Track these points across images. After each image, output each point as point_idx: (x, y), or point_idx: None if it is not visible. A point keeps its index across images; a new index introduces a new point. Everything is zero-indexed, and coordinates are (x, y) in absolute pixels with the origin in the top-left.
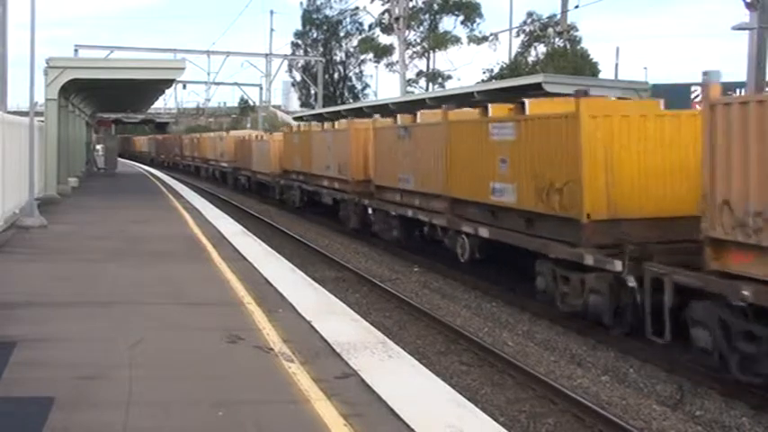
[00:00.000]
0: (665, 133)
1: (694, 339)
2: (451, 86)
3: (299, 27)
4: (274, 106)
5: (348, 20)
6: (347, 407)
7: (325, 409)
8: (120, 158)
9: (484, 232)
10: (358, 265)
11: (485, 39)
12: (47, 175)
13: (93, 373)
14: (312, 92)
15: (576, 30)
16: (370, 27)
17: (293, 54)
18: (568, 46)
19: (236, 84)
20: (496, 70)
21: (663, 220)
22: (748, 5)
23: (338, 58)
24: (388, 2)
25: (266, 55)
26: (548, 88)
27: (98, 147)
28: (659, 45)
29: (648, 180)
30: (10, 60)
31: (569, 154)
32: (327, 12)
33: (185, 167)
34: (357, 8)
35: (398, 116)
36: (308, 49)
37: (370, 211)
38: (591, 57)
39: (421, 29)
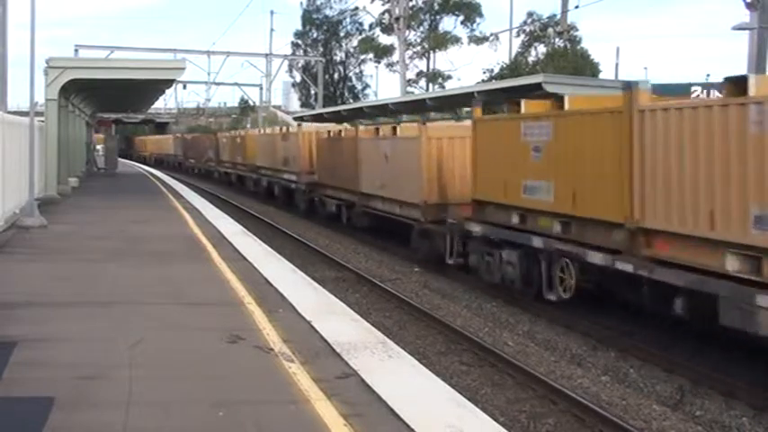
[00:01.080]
0: None
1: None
2: (451, 86)
3: (299, 27)
4: (274, 106)
5: (348, 20)
6: (347, 407)
7: (325, 409)
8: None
9: None
10: (358, 265)
11: (485, 39)
12: (47, 176)
13: (94, 373)
14: (312, 92)
15: (576, 30)
16: (371, 27)
17: (293, 54)
18: (568, 46)
19: (236, 84)
20: (497, 70)
21: None
22: (748, 5)
23: (338, 58)
24: (388, 2)
25: (266, 55)
26: (548, 88)
27: (98, 147)
28: (659, 45)
29: None
30: (10, 60)
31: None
32: (327, 12)
33: (223, 176)
34: (357, 8)
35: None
36: (308, 50)
37: None
38: (591, 57)
39: (421, 29)
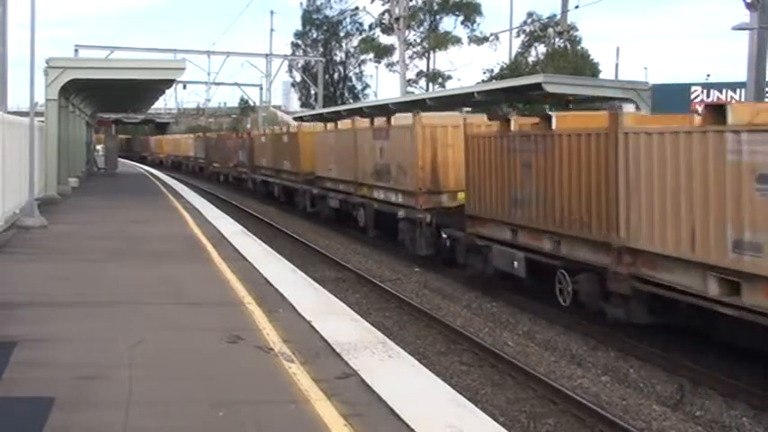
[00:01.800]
0: None
1: None
2: (451, 86)
3: (299, 27)
4: (274, 106)
5: (348, 20)
6: (347, 407)
7: (326, 409)
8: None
9: None
10: (358, 265)
11: (485, 39)
12: (47, 176)
13: (94, 373)
14: (312, 92)
15: (576, 30)
16: (371, 27)
17: (293, 54)
18: (568, 46)
19: (236, 84)
20: (497, 70)
21: None
22: (748, 5)
23: (338, 59)
24: (388, 2)
25: (266, 55)
26: (548, 88)
27: (98, 147)
28: (659, 45)
29: None
30: (10, 60)
31: None
32: (327, 12)
33: (260, 187)
34: (357, 8)
35: None
36: (308, 50)
37: None
38: (591, 57)
39: (421, 29)
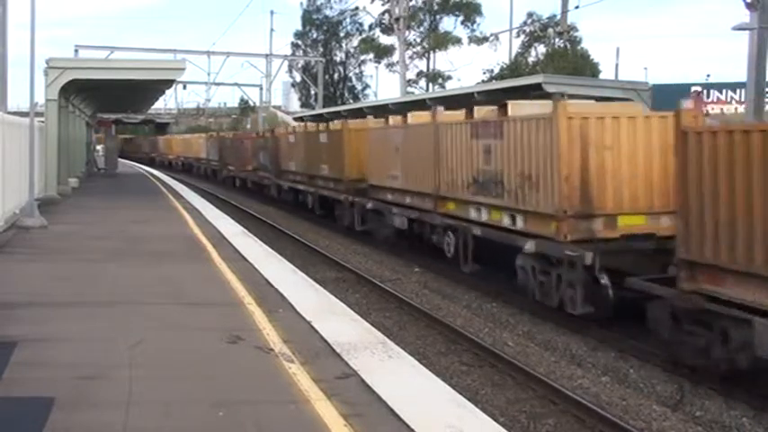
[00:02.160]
0: None
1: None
2: (452, 87)
3: (299, 27)
4: (274, 107)
5: (348, 20)
6: (347, 407)
7: (326, 410)
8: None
9: None
10: (358, 265)
11: (485, 39)
12: (47, 176)
13: (94, 373)
14: (312, 92)
15: (576, 30)
16: (371, 27)
17: (293, 54)
18: (568, 46)
19: (236, 84)
20: (497, 71)
21: None
22: (748, 5)
23: (338, 59)
24: (388, 2)
25: (266, 55)
26: (548, 88)
27: (98, 147)
28: (659, 45)
29: None
30: (10, 60)
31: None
32: (327, 12)
33: (287, 194)
34: (357, 8)
35: None
36: (308, 50)
37: None
38: (591, 57)
39: (421, 29)
